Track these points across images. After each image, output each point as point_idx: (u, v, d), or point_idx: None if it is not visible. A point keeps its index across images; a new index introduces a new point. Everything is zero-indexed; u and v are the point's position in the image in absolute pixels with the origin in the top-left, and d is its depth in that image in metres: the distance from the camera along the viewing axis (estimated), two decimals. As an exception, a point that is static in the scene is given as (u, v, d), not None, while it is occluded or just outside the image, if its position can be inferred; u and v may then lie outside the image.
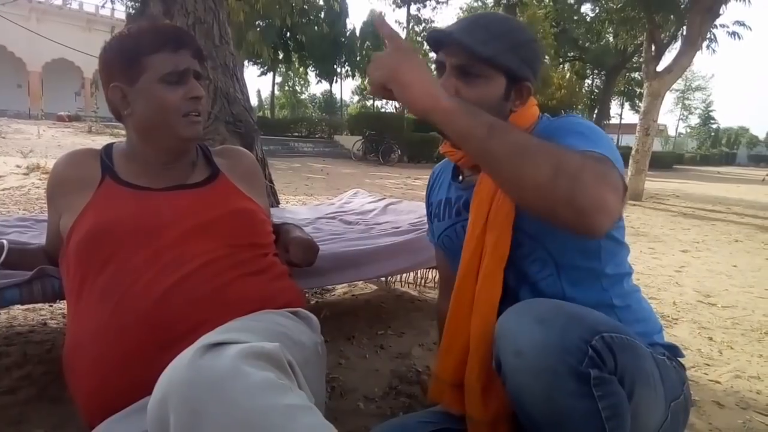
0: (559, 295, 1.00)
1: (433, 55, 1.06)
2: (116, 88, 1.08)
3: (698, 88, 52.29)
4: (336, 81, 32.72)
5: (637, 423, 0.83)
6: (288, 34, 24.86)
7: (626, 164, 9.50)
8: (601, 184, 0.76)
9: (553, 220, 0.80)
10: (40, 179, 6.50)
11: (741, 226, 6.79)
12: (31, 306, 2.24)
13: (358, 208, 2.79)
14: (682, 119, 56.00)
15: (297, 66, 31.94)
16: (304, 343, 0.95)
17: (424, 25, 26.77)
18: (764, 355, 2.21)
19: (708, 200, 10.71)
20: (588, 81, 31.37)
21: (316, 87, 70.85)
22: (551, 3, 22.91)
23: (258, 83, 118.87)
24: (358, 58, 29.91)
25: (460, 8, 26.74)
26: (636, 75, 27.59)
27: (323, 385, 1.10)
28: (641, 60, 10.39)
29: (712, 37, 9.85)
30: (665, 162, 30.13)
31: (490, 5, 22.33)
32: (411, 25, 26.95)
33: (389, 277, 2.79)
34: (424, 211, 1.39)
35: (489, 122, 0.80)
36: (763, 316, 2.81)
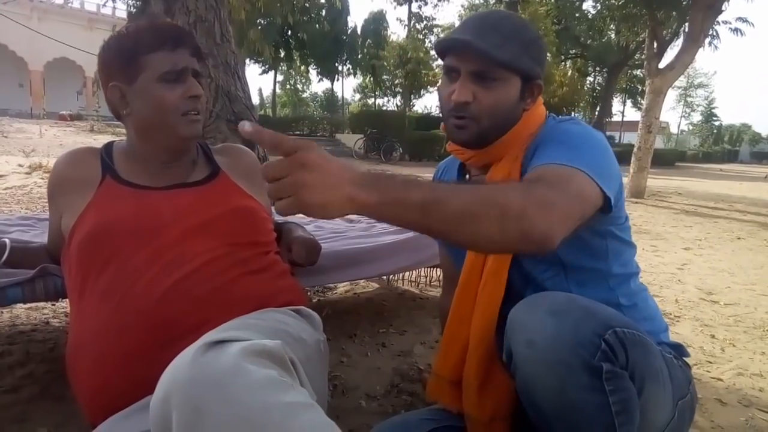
0: None
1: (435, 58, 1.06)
2: (115, 87, 1.08)
3: (700, 85, 52.19)
4: (337, 79, 32.78)
5: (646, 420, 0.83)
6: (289, 32, 24.89)
7: (628, 162, 9.51)
8: (547, 212, 0.76)
9: (513, 253, 0.96)
10: (42, 178, 6.51)
11: (743, 224, 6.77)
12: (33, 305, 2.25)
13: (359, 206, 2.79)
14: (684, 116, 55.92)
15: (298, 64, 31.93)
16: (305, 340, 0.95)
17: (425, 22, 26.77)
18: (767, 353, 2.21)
19: (710, 198, 10.68)
20: (590, 78, 31.35)
21: (318, 85, 70.98)
22: (553, 0, 22.85)
23: (259, 81, 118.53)
24: (359, 56, 29.92)
25: (462, 6, 26.70)
26: (638, 72, 27.55)
27: (325, 382, 1.10)
28: (643, 57, 10.34)
29: (715, 33, 9.83)
30: (667, 159, 30.06)
31: (492, 3, 22.29)
32: (412, 22, 26.94)
33: (391, 276, 2.79)
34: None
35: (419, 201, 0.71)
36: (766, 313, 2.81)
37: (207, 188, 1.14)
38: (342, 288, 2.79)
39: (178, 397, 0.66)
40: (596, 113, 26.57)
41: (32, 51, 24.53)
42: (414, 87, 25.60)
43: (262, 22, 19.64)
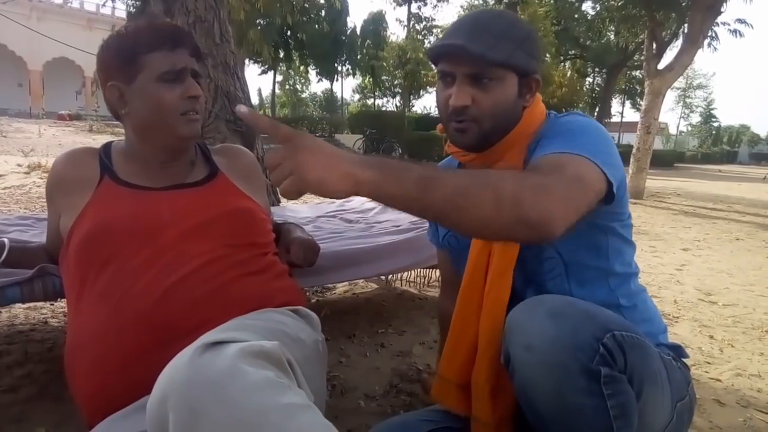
0: (567, 295, 0.99)
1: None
2: (113, 87, 1.08)
3: (699, 86, 52.25)
4: (336, 79, 32.79)
5: (644, 423, 0.83)
6: (288, 32, 24.87)
7: (627, 163, 9.49)
8: (542, 197, 0.76)
9: (513, 240, 0.92)
10: (40, 178, 6.51)
11: (742, 225, 6.78)
12: (32, 304, 2.24)
13: (358, 206, 2.79)
14: (683, 117, 55.99)
15: (298, 64, 31.94)
16: (304, 341, 0.95)
17: (425, 23, 26.78)
18: (765, 354, 2.21)
19: (709, 198, 10.69)
20: (589, 79, 31.36)
21: (317, 85, 70.89)
22: (552, 1, 22.87)
23: (259, 82, 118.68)
24: (358, 57, 29.92)
25: (461, 6, 26.71)
26: (637, 73, 27.58)
27: (324, 383, 1.10)
28: (642, 58, 10.36)
29: (714, 34, 9.84)
30: (666, 160, 30.11)
31: (491, 3, 22.30)
32: (412, 23, 26.95)
33: (390, 276, 2.79)
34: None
35: (416, 178, 0.73)
36: (764, 314, 2.81)
37: (205, 189, 1.14)
38: (341, 288, 2.79)
39: (174, 398, 0.66)
40: (595, 114, 26.54)
41: (31, 51, 24.53)
42: (413, 87, 25.62)
43: (262, 22, 19.63)
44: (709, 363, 2.08)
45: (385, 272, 2.15)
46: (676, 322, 2.61)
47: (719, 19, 9.41)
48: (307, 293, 2.59)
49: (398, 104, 29.13)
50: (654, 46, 9.58)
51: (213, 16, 3.04)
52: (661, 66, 9.23)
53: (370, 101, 35.27)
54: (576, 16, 24.68)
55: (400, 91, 27.64)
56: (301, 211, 2.75)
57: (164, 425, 0.66)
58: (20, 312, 2.21)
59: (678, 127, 58.22)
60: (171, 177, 1.12)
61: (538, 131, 1.02)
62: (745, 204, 9.87)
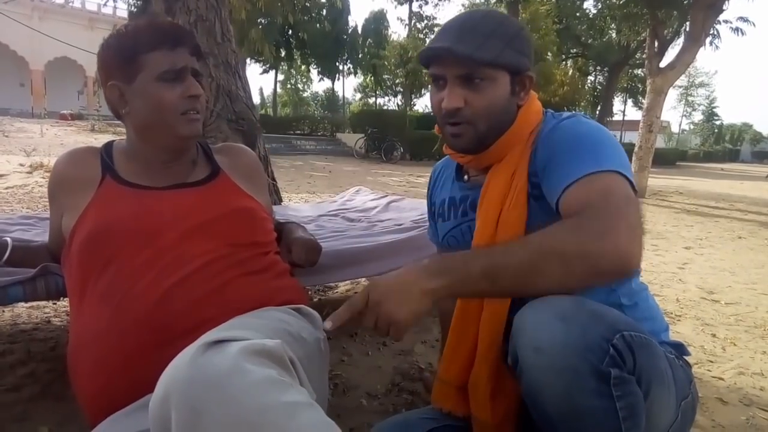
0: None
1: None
2: (114, 86, 1.07)
3: (701, 85, 52.19)
4: (338, 78, 32.79)
5: (650, 423, 0.82)
6: (290, 31, 24.88)
7: (629, 161, 9.50)
8: (603, 242, 0.79)
9: (602, 286, 0.93)
10: (43, 177, 6.52)
11: (744, 223, 6.77)
12: (34, 303, 2.25)
13: (360, 205, 2.78)
14: (685, 116, 55.89)
15: (299, 64, 31.94)
16: (305, 339, 0.95)
17: (426, 22, 26.74)
18: (767, 352, 2.21)
19: (711, 197, 10.67)
20: (591, 77, 31.32)
21: (319, 85, 71.04)
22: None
23: (260, 81, 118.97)
24: (360, 56, 29.90)
25: (463, 5, 26.66)
26: (639, 71, 27.50)
27: (326, 381, 1.10)
28: (644, 56, 10.34)
29: (715, 33, 9.84)
30: (668, 159, 30.07)
31: (492, 1, 22.26)
32: (413, 22, 26.92)
33: (392, 275, 2.78)
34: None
35: (480, 272, 0.81)
36: (767, 312, 2.81)
37: (207, 188, 1.14)
38: (343, 287, 2.79)
39: (176, 397, 0.66)
40: (597, 112, 26.50)
41: (33, 50, 24.55)
42: (415, 86, 25.60)
43: (263, 21, 19.62)
44: (711, 361, 2.08)
45: (386, 271, 2.13)
46: (679, 320, 2.60)
47: (721, 17, 9.42)
48: (309, 292, 2.59)
49: (400, 103, 29.13)
50: (656, 44, 9.57)
51: (214, 15, 3.04)
52: (663, 64, 9.23)
53: (371, 100, 35.25)
54: (577, 14, 24.66)
55: (401, 90, 27.62)
56: (303, 210, 2.75)
57: (167, 424, 0.66)
58: (23, 311, 2.21)
59: (680, 125, 58.15)
60: (172, 176, 1.12)
61: (538, 130, 1.01)
62: (747, 202, 9.86)
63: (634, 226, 0.82)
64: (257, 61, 25.31)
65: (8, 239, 1.26)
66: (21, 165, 7.50)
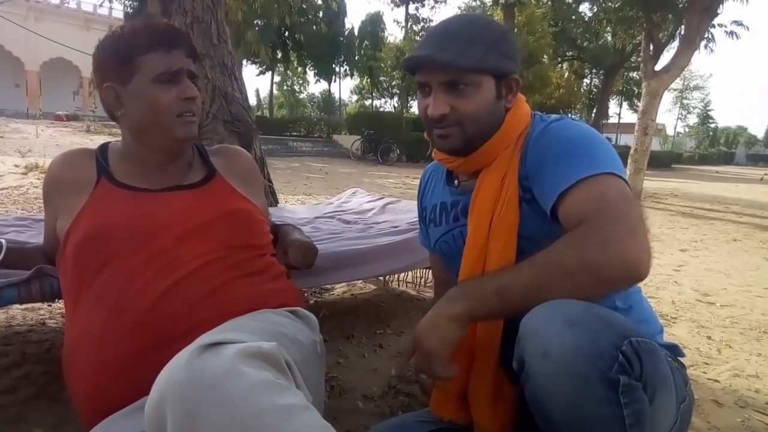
0: None
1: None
2: (109, 88, 1.07)
3: (696, 88, 52.38)
4: (335, 80, 32.72)
5: (654, 427, 0.82)
6: (286, 33, 24.82)
7: (625, 164, 9.50)
8: (606, 250, 0.79)
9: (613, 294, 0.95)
10: (38, 179, 6.49)
11: (739, 225, 6.80)
12: (29, 305, 2.24)
13: (356, 207, 2.79)
14: (680, 119, 56.08)
15: (295, 65, 31.87)
16: (302, 341, 0.95)
17: (422, 24, 26.79)
18: (763, 354, 2.22)
19: (706, 199, 10.72)
20: (586, 80, 31.42)
21: (315, 86, 70.92)
22: (549, 2, 22.88)
23: (256, 82, 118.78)
24: (356, 58, 29.88)
25: (459, 8, 26.74)
26: (634, 74, 27.65)
27: (322, 384, 1.09)
28: (639, 59, 10.40)
29: (710, 36, 9.87)
30: (664, 161, 30.18)
31: (488, 4, 22.31)
32: (409, 24, 26.97)
33: (388, 277, 2.79)
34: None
35: (492, 291, 0.85)
36: (762, 314, 2.82)
37: (203, 190, 1.13)
38: (339, 289, 2.79)
39: (172, 399, 0.66)
40: (593, 115, 26.61)
41: (28, 51, 24.46)
42: (411, 88, 25.54)
43: (259, 23, 19.60)
44: (707, 363, 2.09)
45: (383, 273, 2.15)
46: (674, 322, 2.61)
47: (715, 21, 9.45)
48: (306, 294, 2.58)
49: (396, 105, 29.15)
50: (651, 47, 9.60)
51: (210, 17, 3.04)
52: (658, 67, 9.26)
53: (368, 102, 35.26)
54: (573, 17, 24.70)
55: (397, 92, 27.63)
56: (299, 212, 2.75)
57: (163, 427, 0.66)
58: (18, 313, 2.20)
59: (675, 128, 58.30)
60: (168, 178, 1.12)
61: (527, 133, 1.01)
62: (742, 205, 9.90)
63: (635, 227, 0.81)
64: (253, 62, 25.25)
65: (3, 241, 1.25)
66: (16, 166, 7.47)
